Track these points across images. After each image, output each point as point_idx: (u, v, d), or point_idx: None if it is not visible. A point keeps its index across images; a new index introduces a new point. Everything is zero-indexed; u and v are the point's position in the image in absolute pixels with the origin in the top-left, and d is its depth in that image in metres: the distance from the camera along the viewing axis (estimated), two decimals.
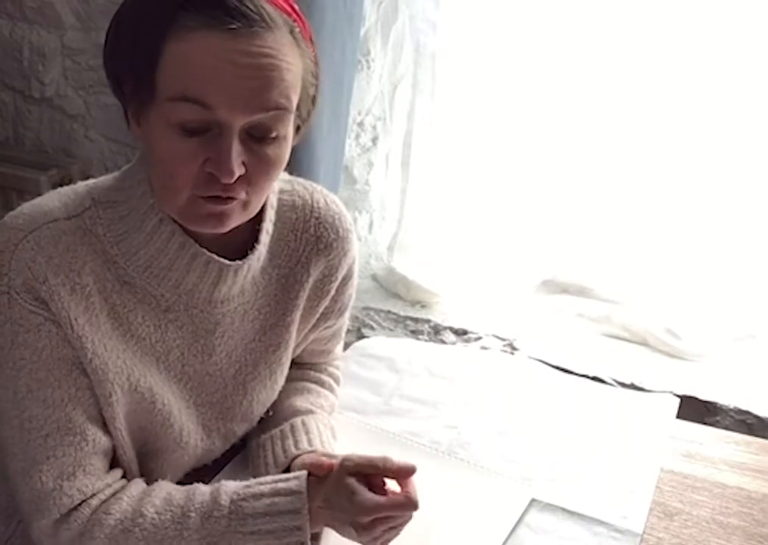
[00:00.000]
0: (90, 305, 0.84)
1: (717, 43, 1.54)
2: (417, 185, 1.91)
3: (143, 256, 0.86)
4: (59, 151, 2.29)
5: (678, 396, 1.31)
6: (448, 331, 1.86)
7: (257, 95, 0.75)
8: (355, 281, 1.07)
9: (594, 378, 1.54)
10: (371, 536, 0.86)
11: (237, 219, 0.83)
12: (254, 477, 0.91)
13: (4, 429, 0.86)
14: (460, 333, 1.84)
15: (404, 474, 0.87)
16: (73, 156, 2.27)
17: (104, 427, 0.87)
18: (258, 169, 0.79)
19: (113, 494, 0.87)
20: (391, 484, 0.88)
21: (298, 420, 1.03)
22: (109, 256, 0.85)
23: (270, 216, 0.93)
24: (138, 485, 0.90)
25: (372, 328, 1.91)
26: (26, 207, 0.85)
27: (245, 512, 0.85)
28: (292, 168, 0.91)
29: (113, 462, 0.90)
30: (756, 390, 1.61)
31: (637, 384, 1.60)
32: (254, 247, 0.90)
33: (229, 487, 0.88)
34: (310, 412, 1.06)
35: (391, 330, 1.90)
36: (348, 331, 1.34)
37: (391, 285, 2.00)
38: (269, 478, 0.90)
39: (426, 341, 1.81)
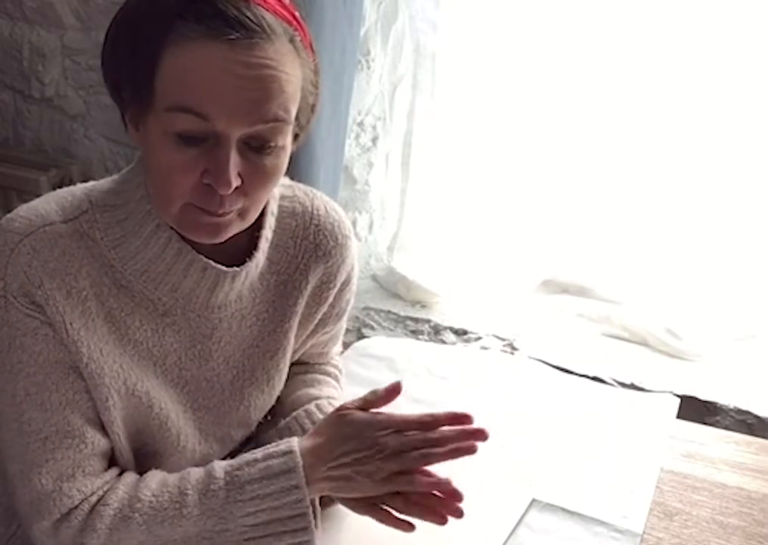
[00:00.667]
0: (86, 309, 0.84)
1: (717, 43, 1.54)
2: (417, 185, 1.91)
3: (140, 261, 0.85)
4: (59, 151, 2.29)
5: (678, 396, 1.31)
6: (447, 331, 1.86)
7: (256, 107, 0.75)
8: (354, 287, 1.07)
9: (594, 378, 1.54)
10: (382, 465, 0.83)
11: (234, 228, 0.82)
12: None
13: (2, 432, 0.85)
14: (460, 333, 1.84)
15: (393, 394, 0.88)
16: (73, 156, 2.27)
17: (103, 429, 0.87)
18: (256, 180, 0.79)
19: (111, 487, 0.87)
20: None
21: (311, 405, 1.03)
22: (106, 260, 0.85)
23: (270, 223, 0.93)
24: (131, 474, 0.90)
25: (372, 328, 1.91)
26: (23, 209, 0.84)
27: (241, 480, 0.85)
28: (292, 169, 0.91)
29: (111, 463, 0.90)
30: (756, 390, 1.61)
31: (637, 384, 1.60)
32: (252, 253, 0.90)
33: (222, 462, 0.89)
34: (333, 398, 1.06)
35: (391, 330, 1.90)
36: (348, 331, 1.34)
37: (391, 285, 2.00)
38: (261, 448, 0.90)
39: (426, 340, 1.81)
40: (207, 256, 0.86)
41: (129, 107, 0.79)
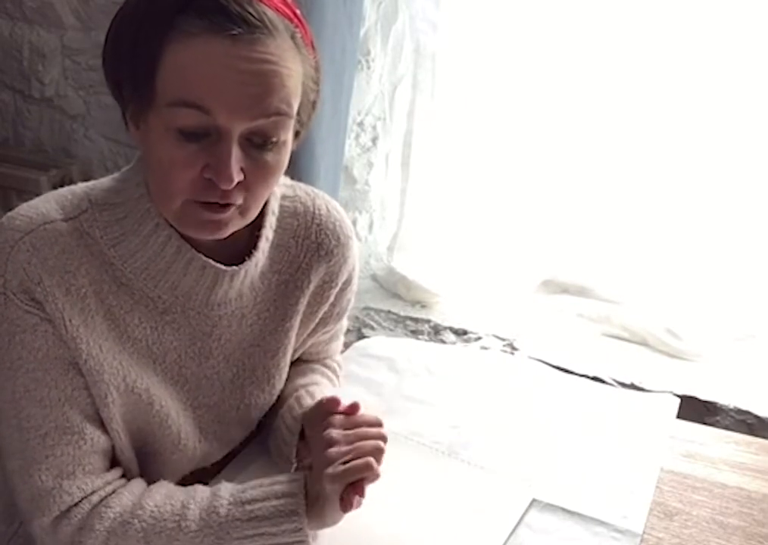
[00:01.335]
0: (85, 306, 0.84)
1: (717, 43, 1.54)
2: (417, 185, 1.91)
3: (140, 259, 0.86)
4: (59, 151, 2.29)
5: (678, 396, 1.31)
6: (447, 331, 1.86)
7: (257, 102, 0.75)
8: (355, 286, 1.07)
9: (594, 378, 1.53)
10: (341, 472, 0.84)
11: (235, 225, 0.83)
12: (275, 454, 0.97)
13: (2, 428, 0.86)
14: (460, 333, 1.84)
15: (334, 403, 0.91)
16: (73, 156, 2.27)
17: (103, 426, 0.87)
18: (257, 176, 0.79)
19: (114, 491, 0.87)
20: None
21: (302, 391, 1.03)
22: (106, 258, 0.85)
23: (271, 222, 0.93)
24: (139, 483, 0.90)
25: (372, 328, 1.91)
26: (23, 208, 0.85)
27: (243, 499, 0.86)
28: (292, 168, 0.91)
29: (113, 462, 0.91)
30: (756, 390, 1.61)
31: (637, 384, 1.60)
32: (252, 253, 0.90)
33: (229, 484, 0.90)
34: (315, 384, 1.06)
35: (391, 330, 1.90)
36: (348, 331, 1.34)
37: (391, 285, 2.00)
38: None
39: (426, 340, 1.81)
40: (207, 255, 0.86)
41: (131, 104, 0.79)
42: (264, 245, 0.92)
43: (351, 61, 1.66)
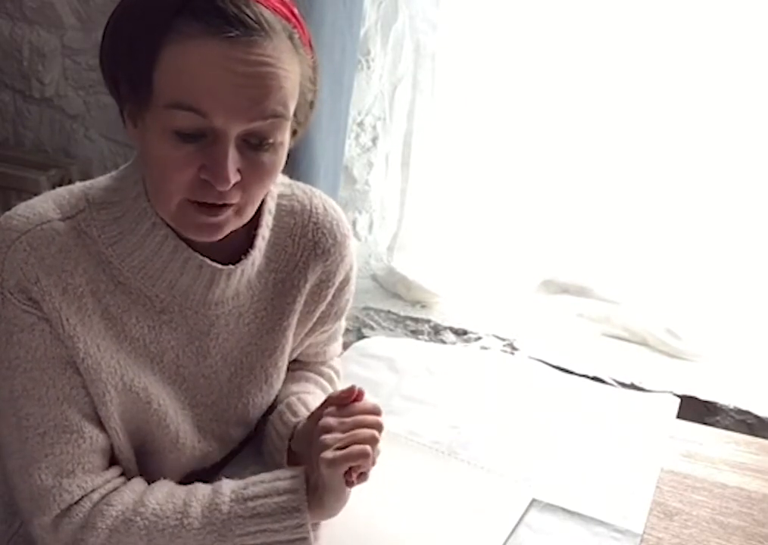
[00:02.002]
0: (83, 305, 0.84)
1: (717, 43, 1.54)
2: (417, 185, 1.91)
3: (137, 258, 0.86)
4: (59, 151, 2.29)
5: (678, 396, 1.31)
6: (447, 331, 1.86)
7: (254, 104, 0.75)
8: (353, 286, 1.07)
9: (594, 378, 1.53)
10: (339, 460, 0.84)
11: (231, 226, 0.83)
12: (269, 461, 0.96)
13: (2, 428, 0.86)
14: (460, 333, 1.84)
15: (346, 395, 0.90)
16: (73, 156, 2.27)
17: (101, 425, 0.88)
18: (253, 176, 0.79)
19: (114, 489, 0.88)
20: None
21: (293, 398, 1.04)
22: (103, 258, 0.85)
23: (267, 221, 0.93)
24: (140, 481, 0.90)
25: (372, 328, 1.90)
26: (21, 207, 0.85)
27: (245, 496, 0.87)
28: (292, 168, 0.91)
29: (112, 461, 0.91)
30: (756, 390, 1.61)
31: (637, 384, 1.60)
32: (249, 251, 0.90)
33: (230, 481, 0.90)
34: (307, 393, 1.07)
35: (391, 330, 1.90)
36: (348, 331, 1.34)
37: (391, 285, 1.99)
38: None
39: (426, 341, 1.81)
40: (203, 254, 0.86)
41: (128, 103, 0.79)
42: (261, 244, 0.92)
43: (350, 61, 1.66)
